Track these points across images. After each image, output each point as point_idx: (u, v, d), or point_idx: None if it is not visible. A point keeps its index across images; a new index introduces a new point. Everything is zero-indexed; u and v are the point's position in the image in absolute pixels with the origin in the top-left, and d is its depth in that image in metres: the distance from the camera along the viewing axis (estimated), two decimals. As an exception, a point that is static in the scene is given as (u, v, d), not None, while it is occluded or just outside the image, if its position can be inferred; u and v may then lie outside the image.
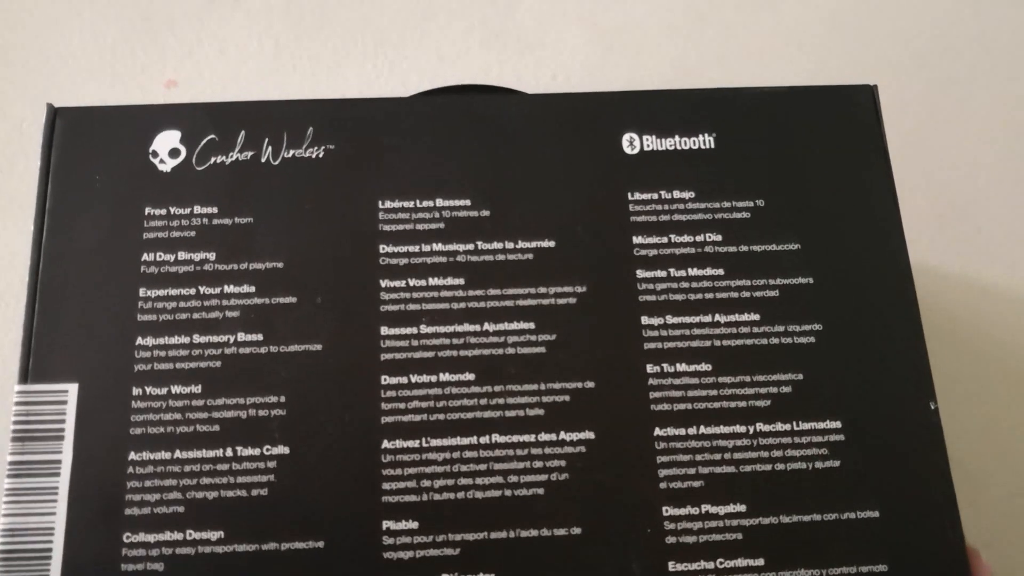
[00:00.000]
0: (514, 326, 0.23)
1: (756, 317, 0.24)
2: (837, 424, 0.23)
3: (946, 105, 0.38)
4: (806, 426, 0.23)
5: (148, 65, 0.37)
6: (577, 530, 0.22)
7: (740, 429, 0.23)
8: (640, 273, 0.24)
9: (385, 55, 0.37)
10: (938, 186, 0.37)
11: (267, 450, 0.22)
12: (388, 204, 0.24)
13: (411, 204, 0.24)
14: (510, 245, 0.24)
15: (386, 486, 0.22)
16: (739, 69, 0.38)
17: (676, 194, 0.25)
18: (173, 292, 0.23)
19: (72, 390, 0.22)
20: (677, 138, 0.25)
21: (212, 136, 0.25)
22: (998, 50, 0.39)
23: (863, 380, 0.23)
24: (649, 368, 0.23)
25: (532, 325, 0.23)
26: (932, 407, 0.23)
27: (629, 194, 0.25)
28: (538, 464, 0.22)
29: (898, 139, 0.38)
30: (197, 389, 0.23)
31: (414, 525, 0.22)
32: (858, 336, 0.23)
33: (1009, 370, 0.34)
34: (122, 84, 0.36)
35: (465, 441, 0.22)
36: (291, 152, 0.25)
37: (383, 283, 0.24)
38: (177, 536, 0.21)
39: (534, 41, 0.38)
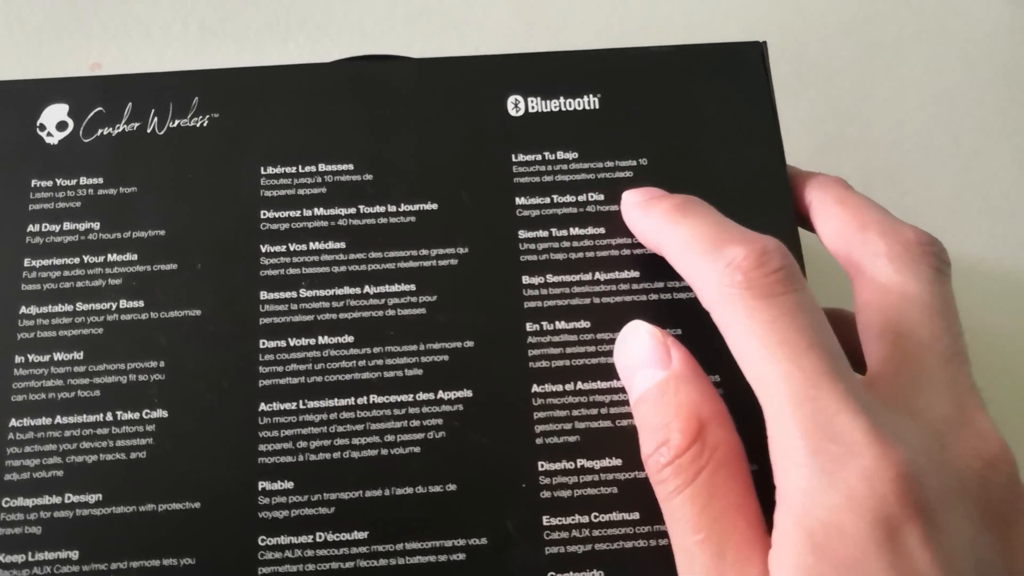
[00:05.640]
0: (395, 288, 0.24)
1: (636, 274, 0.24)
2: (716, 379, 0.23)
3: (873, 70, 0.38)
4: (684, 381, 0.23)
5: (74, 48, 0.37)
6: (452, 487, 0.22)
7: (617, 384, 0.23)
8: (522, 234, 0.24)
9: (308, 33, 0.37)
10: (864, 151, 0.37)
11: (146, 414, 0.22)
12: (270, 170, 0.24)
13: (293, 170, 0.24)
14: (392, 208, 0.24)
15: (262, 447, 0.22)
16: (663, 39, 0.38)
17: (560, 155, 0.25)
18: (57, 262, 0.24)
19: (-47, 360, 0.22)
20: (562, 99, 0.25)
21: (100, 108, 0.25)
22: (926, 15, 0.39)
23: (743, 334, 0.23)
24: (528, 326, 0.23)
25: (413, 287, 0.24)
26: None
27: (513, 156, 0.25)
28: (415, 423, 0.22)
29: (824, 104, 0.38)
30: (79, 356, 0.23)
31: (290, 485, 0.22)
32: (739, 291, 0.23)
33: (933, 332, 0.34)
34: (47, 68, 0.36)
35: (342, 402, 0.23)
36: (176, 122, 0.25)
37: (263, 248, 0.24)
38: (55, 500, 0.22)
39: (457, 16, 0.38)
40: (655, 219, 0.22)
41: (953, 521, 0.18)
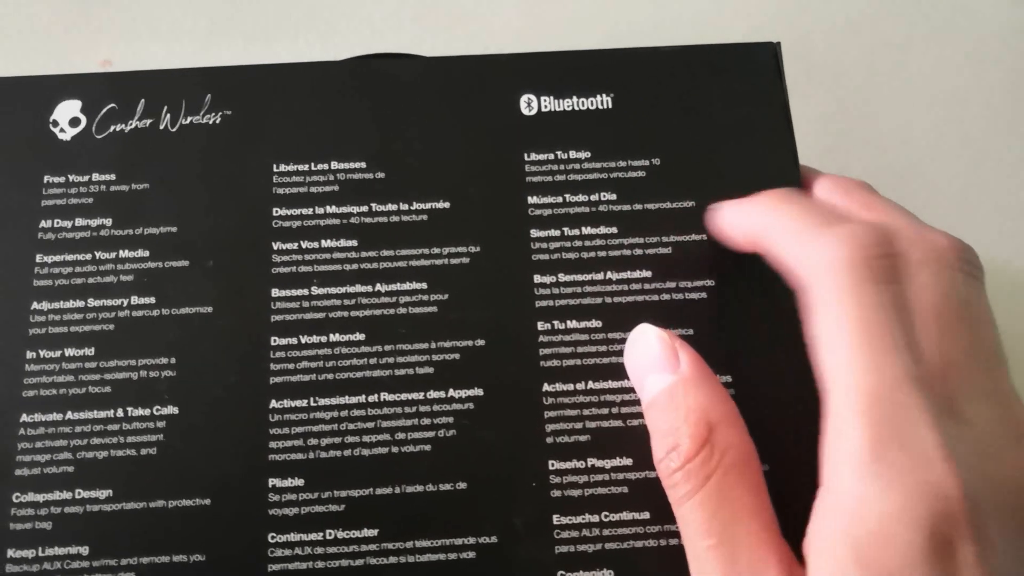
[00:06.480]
0: (406, 286, 0.23)
1: (648, 274, 0.24)
2: (727, 379, 0.23)
3: (881, 70, 0.38)
4: (695, 381, 0.23)
5: (83, 46, 0.37)
6: (462, 485, 0.22)
7: (628, 384, 0.23)
8: (534, 232, 0.24)
9: (316, 29, 0.37)
10: (872, 151, 0.37)
11: (157, 410, 0.22)
12: (282, 167, 0.24)
13: (306, 167, 0.24)
14: (404, 207, 0.24)
15: (273, 444, 0.22)
16: (673, 39, 0.38)
17: (572, 154, 0.25)
18: (69, 258, 0.24)
19: (-37, 356, 0.22)
20: (575, 99, 0.25)
21: (112, 105, 0.25)
22: (934, 15, 0.39)
23: (754, 335, 0.23)
24: (540, 325, 0.23)
25: (424, 285, 0.24)
26: (825, 361, 0.23)
27: (525, 155, 0.25)
28: (426, 421, 0.22)
29: (834, 104, 0.38)
30: (90, 352, 0.23)
31: (300, 482, 0.22)
32: (750, 291, 0.23)
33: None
34: (57, 65, 0.36)
35: (353, 400, 0.23)
36: (189, 119, 0.25)
37: (275, 245, 0.24)
38: (66, 495, 0.22)
39: (465, 14, 0.38)
40: (762, 203, 0.22)
41: (1001, 537, 0.17)
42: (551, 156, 0.25)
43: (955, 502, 0.17)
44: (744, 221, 0.23)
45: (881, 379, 0.18)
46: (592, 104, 0.25)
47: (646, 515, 0.22)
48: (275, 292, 0.23)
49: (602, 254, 0.24)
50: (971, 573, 0.17)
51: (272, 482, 0.22)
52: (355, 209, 0.24)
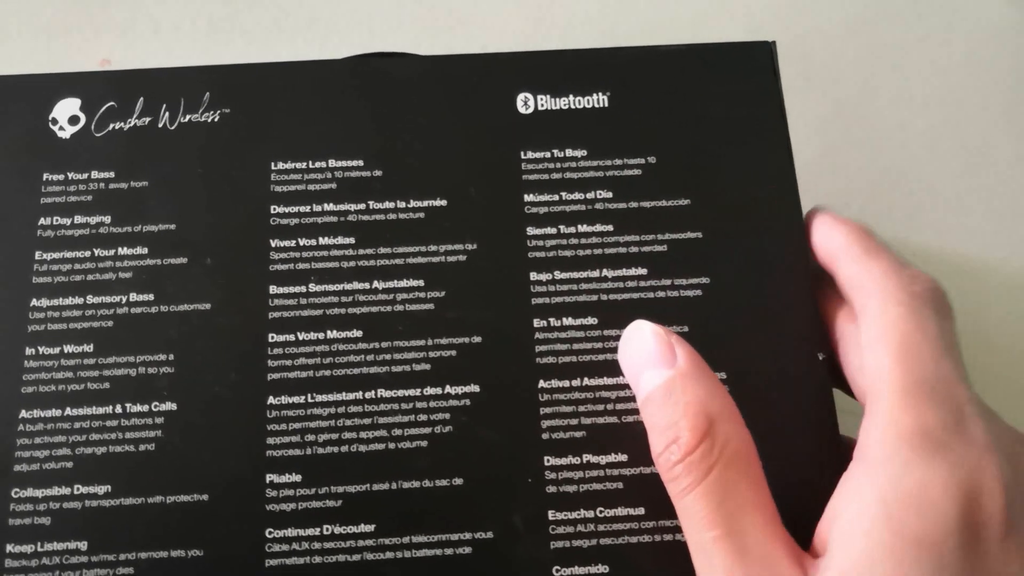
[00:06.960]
0: (403, 284, 0.24)
1: (643, 271, 0.24)
2: (722, 375, 0.23)
3: (878, 71, 0.38)
4: (690, 378, 0.23)
5: (83, 45, 0.37)
6: (459, 481, 0.22)
7: (624, 380, 0.23)
8: (531, 230, 0.24)
9: (315, 31, 0.38)
10: (870, 152, 0.37)
11: (155, 407, 0.22)
12: (280, 165, 0.25)
13: (303, 165, 0.25)
14: (402, 204, 0.24)
15: (271, 440, 0.22)
16: (670, 38, 0.38)
17: (568, 152, 0.25)
18: (69, 255, 0.24)
19: (-38, 352, 0.23)
20: (571, 97, 0.26)
21: (111, 103, 0.25)
22: (931, 16, 0.39)
23: (749, 332, 0.23)
24: (536, 323, 0.23)
25: (421, 282, 0.24)
26: (820, 358, 0.23)
27: (522, 153, 0.25)
28: (422, 418, 0.23)
29: (830, 105, 0.38)
30: (89, 348, 0.23)
31: (297, 478, 0.22)
32: (745, 289, 0.24)
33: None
34: (56, 64, 0.37)
35: (350, 396, 0.23)
36: (188, 117, 0.25)
37: (273, 243, 0.24)
38: (65, 491, 0.22)
39: (464, 14, 0.38)
40: (852, 230, 0.23)
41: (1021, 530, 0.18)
42: (547, 154, 0.25)
43: (993, 485, 0.18)
44: (832, 240, 0.23)
45: (935, 373, 0.19)
46: (588, 103, 0.26)
47: (641, 511, 0.22)
48: (273, 289, 0.23)
49: (598, 252, 0.24)
50: (998, 557, 0.17)
51: (270, 478, 0.22)
52: (352, 207, 0.24)
